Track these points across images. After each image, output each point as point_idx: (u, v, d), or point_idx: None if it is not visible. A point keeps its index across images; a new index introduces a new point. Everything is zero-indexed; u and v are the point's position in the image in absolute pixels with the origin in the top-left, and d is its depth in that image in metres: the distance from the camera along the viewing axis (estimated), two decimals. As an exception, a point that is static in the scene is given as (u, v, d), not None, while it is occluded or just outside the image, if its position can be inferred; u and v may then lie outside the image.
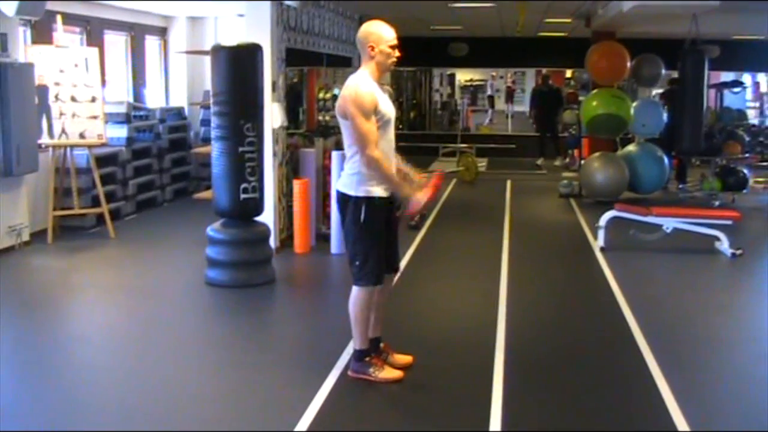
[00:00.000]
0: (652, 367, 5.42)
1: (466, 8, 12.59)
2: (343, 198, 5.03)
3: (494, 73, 31.62)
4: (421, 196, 5.02)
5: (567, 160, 17.27)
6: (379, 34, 4.96)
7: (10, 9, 8.22)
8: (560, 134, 17.91)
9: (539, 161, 17.72)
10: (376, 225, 5.00)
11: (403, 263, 8.27)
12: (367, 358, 5.19)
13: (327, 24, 11.04)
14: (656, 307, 7.00)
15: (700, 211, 9.84)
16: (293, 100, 11.25)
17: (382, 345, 5.33)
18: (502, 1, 11.65)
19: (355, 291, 5.11)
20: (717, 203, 12.10)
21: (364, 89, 4.84)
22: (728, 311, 7.09)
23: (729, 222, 9.11)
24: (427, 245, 9.33)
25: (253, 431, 4.45)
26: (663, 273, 8.47)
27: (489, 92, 31.84)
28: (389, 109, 5.00)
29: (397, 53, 5.01)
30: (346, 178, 5.01)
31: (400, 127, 20.63)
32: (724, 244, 8.88)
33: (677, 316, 6.79)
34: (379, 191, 4.95)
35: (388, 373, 5.17)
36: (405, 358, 5.37)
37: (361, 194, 4.93)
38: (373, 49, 4.94)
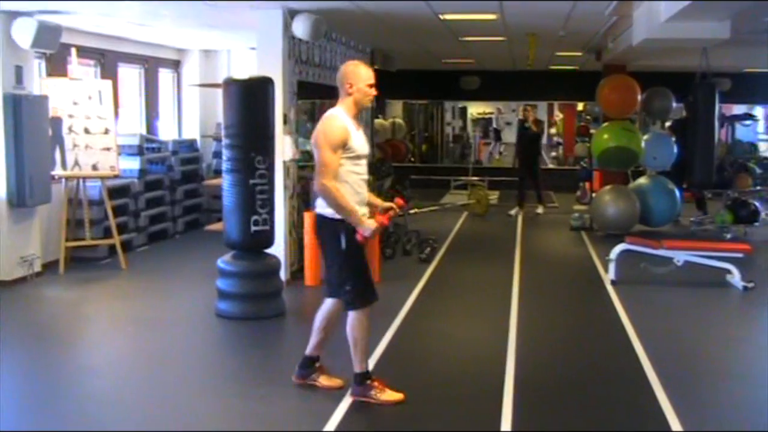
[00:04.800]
0: (662, 401, 5.38)
1: (477, 42, 12.66)
2: (322, 220, 5.19)
3: (500, 107, 31.67)
4: (367, 228, 5.07)
5: (555, 204, 15.81)
6: (357, 73, 5.19)
7: (26, 41, 8.33)
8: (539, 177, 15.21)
9: (513, 211, 14.95)
10: (357, 246, 5.13)
11: (413, 296, 8.28)
12: (368, 381, 5.29)
13: (339, 57, 11.12)
14: (667, 341, 6.96)
15: (711, 244, 9.81)
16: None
17: (317, 365, 5.56)
18: (513, 35, 11.71)
19: (352, 315, 5.24)
20: (728, 236, 12.06)
21: (336, 123, 5.08)
22: (740, 345, 7.05)
23: (740, 255, 9.06)
24: (437, 278, 9.31)
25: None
26: (674, 306, 8.42)
27: (494, 125, 31.86)
28: (361, 145, 5.20)
29: (374, 92, 5.23)
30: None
31: (412, 159, 20.69)
32: (735, 277, 8.84)
33: (688, 350, 6.76)
34: None
35: (390, 396, 5.28)
36: (336, 381, 5.54)
37: (338, 216, 5.06)
38: (351, 86, 5.16)
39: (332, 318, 5.47)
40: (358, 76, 5.15)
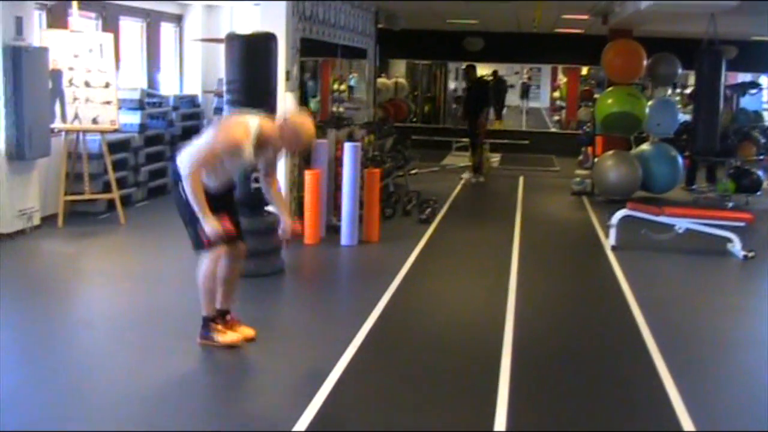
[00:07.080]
0: (660, 368, 5.38)
1: (483, 2, 12.53)
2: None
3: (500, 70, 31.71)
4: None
5: (480, 177, 14.26)
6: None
7: (26, -8, 8.24)
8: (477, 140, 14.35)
9: (466, 174, 14.37)
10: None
11: (412, 257, 8.27)
12: (212, 324, 5.49)
13: (343, 15, 11.01)
14: (666, 308, 6.96)
15: (712, 212, 9.77)
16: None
17: (228, 317, 5.62)
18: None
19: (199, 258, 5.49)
20: (730, 205, 12.02)
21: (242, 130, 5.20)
22: (738, 313, 7.05)
23: (741, 224, 9.05)
24: (436, 240, 9.29)
25: (259, 418, 4.45)
26: (673, 273, 8.43)
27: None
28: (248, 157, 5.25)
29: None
30: None
31: (414, 119, 20.60)
32: (735, 246, 8.82)
33: (687, 317, 6.76)
34: None
35: (229, 337, 5.47)
36: (249, 332, 5.63)
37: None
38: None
39: (222, 270, 5.55)
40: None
